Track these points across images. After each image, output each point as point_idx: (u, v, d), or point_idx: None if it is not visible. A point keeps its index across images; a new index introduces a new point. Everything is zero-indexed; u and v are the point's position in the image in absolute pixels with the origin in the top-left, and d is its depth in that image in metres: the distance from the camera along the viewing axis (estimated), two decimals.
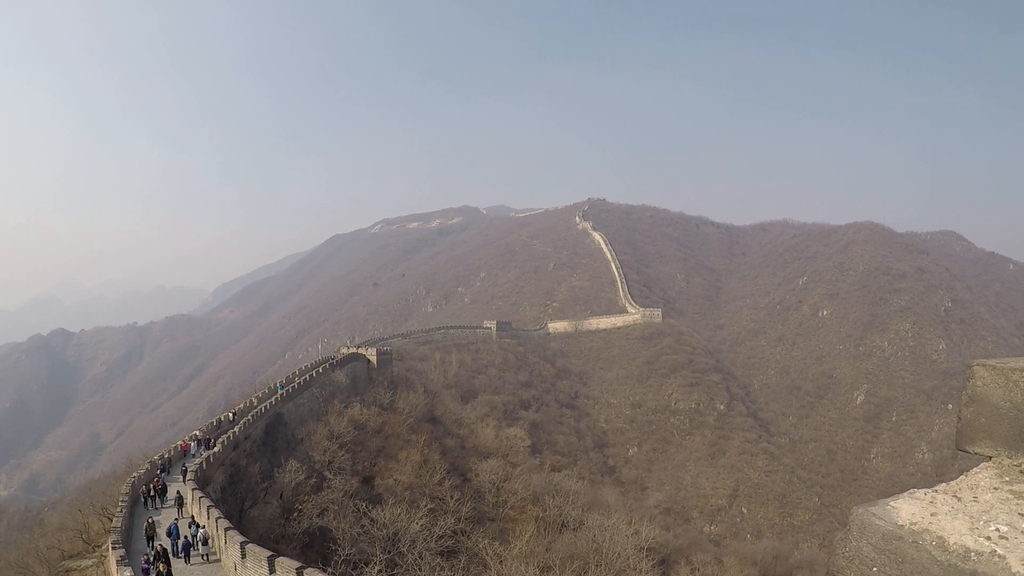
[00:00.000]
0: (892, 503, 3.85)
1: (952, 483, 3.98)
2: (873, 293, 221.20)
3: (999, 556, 3.18)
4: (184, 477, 43.33)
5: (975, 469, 4.00)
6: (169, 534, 37.18)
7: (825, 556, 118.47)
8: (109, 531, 37.61)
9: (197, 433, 68.24)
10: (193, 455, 56.36)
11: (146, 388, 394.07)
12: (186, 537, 35.84)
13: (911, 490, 3.94)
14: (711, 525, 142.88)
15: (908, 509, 3.74)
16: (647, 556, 65.31)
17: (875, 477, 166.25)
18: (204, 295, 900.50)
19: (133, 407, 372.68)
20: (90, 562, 44.78)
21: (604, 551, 63.88)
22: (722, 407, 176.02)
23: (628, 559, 63.26)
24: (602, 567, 58.69)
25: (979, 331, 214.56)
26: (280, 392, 73.12)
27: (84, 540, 49.40)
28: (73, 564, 46.01)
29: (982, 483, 3.87)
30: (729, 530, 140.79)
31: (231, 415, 69.41)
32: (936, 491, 3.93)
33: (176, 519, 41.07)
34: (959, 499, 3.77)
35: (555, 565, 53.52)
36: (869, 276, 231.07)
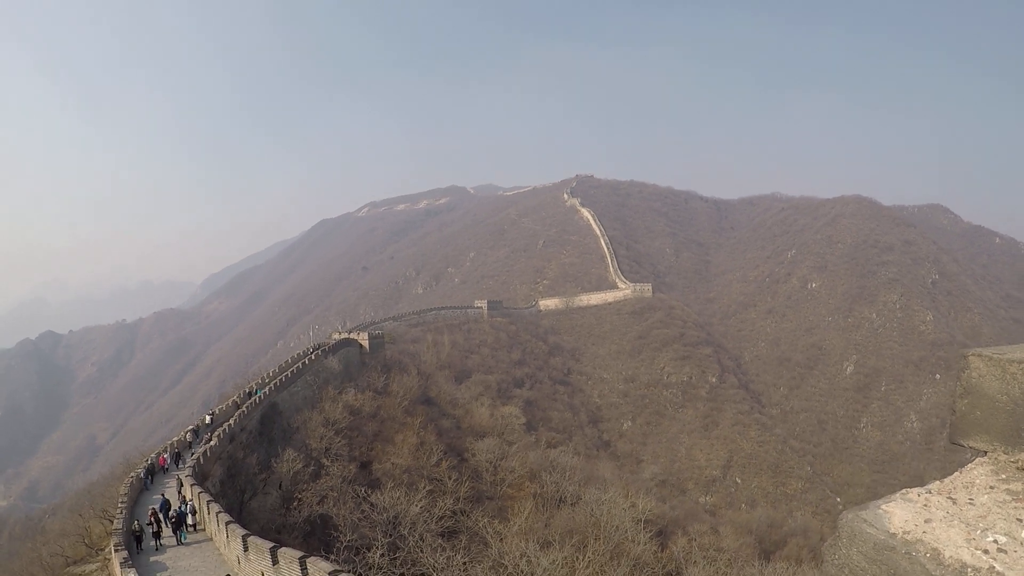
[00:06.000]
0: (884, 506, 3.64)
1: (947, 481, 3.81)
2: (861, 265, 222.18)
3: (997, 573, 2.95)
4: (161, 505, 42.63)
5: (970, 465, 3.83)
6: (161, 508, 38.53)
7: (818, 523, 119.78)
8: (111, 534, 37.66)
9: (192, 427, 67.69)
10: (168, 469, 54.54)
11: (139, 386, 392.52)
12: (179, 509, 36.65)
13: (904, 490, 3.79)
14: (706, 496, 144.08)
15: (901, 515, 3.57)
16: (644, 528, 65.86)
17: (865, 446, 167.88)
18: (193, 287, 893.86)
19: (127, 406, 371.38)
20: (94, 566, 44.70)
21: (602, 525, 64.37)
22: (714, 379, 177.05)
23: (626, 532, 63.78)
24: (601, 540, 59.10)
25: (966, 303, 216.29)
26: (258, 395, 71.90)
27: (87, 544, 49.26)
28: (77, 570, 45.91)
29: (977, 481, 3.71)
30: (724, 500, 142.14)
31: (208, 418, 68.17)
32: (930, 492, 3.73)
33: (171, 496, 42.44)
34: (954, 502, 3.56)
35: (554, 540, 53.87)
36: (857, 249, 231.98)
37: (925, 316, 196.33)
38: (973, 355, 3.85)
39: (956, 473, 3.86)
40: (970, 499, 3.59)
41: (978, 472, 3.76)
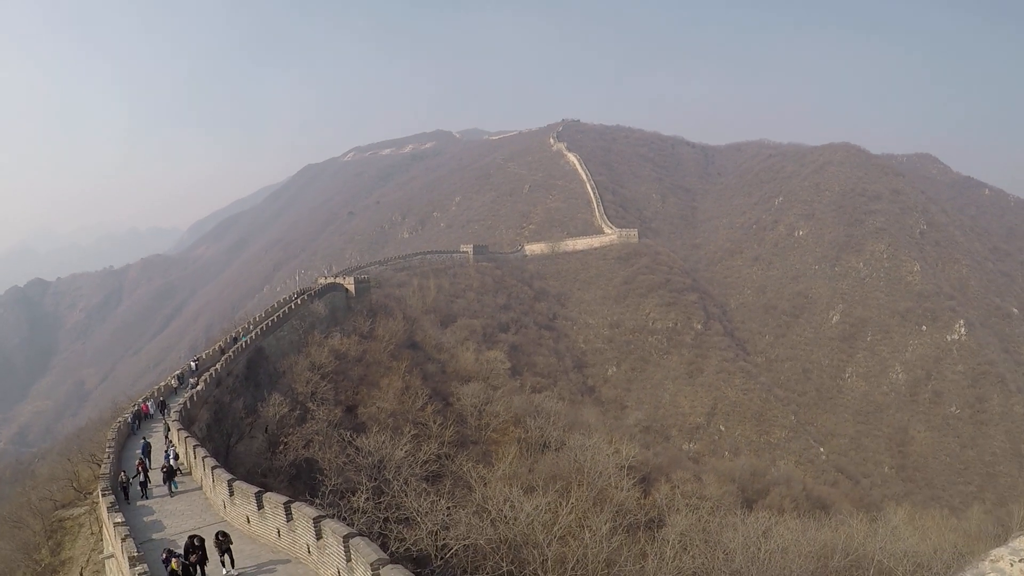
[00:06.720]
0: None
1: None
2: (849, 214, 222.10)
3: None
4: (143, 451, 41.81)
5: None
6: (143, 451, 38.64)
7: (801, 473, 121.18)
8: (99, 478, 37.51)
9: (177, 372, 67.34)
10: (152, 416, 53.29)
11: (127, 331, 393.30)
12: (168, 462, 36.12)
13: (992, 556, 3.16)
14: (690, 443, 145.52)
15: None
16: (628, 474, 66.49)
17: (850, 396, 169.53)
18: (179, 234, 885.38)
19: (115, 351, 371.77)
20: (82, 510, 44.90)
21: (586, 470, 64.87)
22: (699, 326, 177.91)
23: (609, 477, 64.32)
24: (584, 486, 59.54)
25: (954, 254, 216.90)
26: (244, 340, 71.70)
27: (75, 488, 49.47)
28: (66, 513, 46.15)
29: None
30: (707, 448, 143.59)
31: (193, 364, 67.55)
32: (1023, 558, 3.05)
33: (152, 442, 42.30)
34: None
35: (538, 486, 54.23)
36: (845, 197, 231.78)
37: (912, 266, 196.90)
38: None
39: None
40: None
41: None
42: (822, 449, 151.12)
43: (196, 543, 22.98)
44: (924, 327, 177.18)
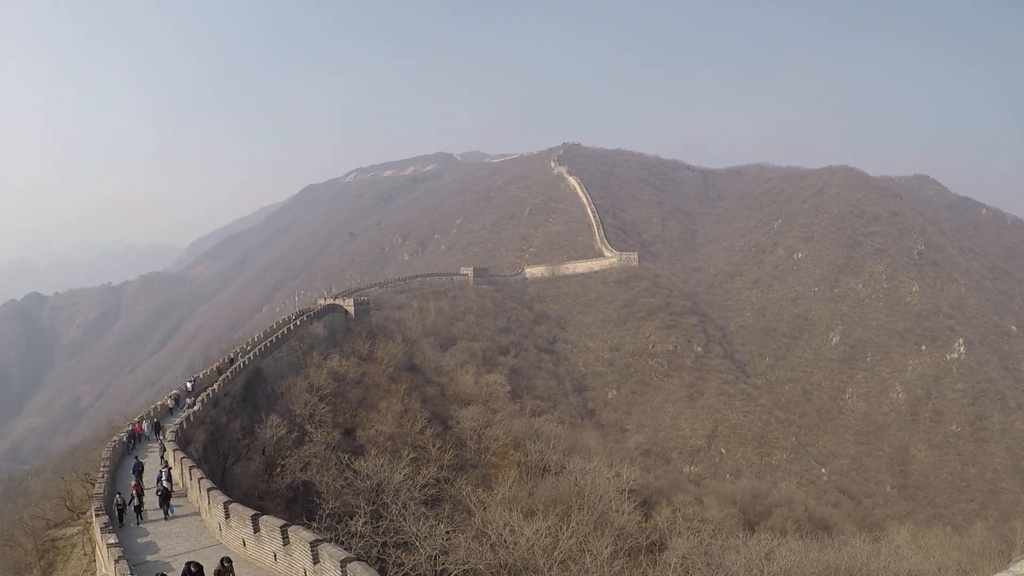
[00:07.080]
0: None
1: None
2: (847, 236, 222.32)
3: None
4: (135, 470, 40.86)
5: None
6: (134, 470, 38.12)
7: (802, 495, 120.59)
8: (92, 497, 37.01)
9: (174, 391, 67.00)
10: (147, 437, 51.92)
11: (124, 349, 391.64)
12: (162, 484, 35.26)
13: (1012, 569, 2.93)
14: (690, 466, 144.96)
15: None
16: (628, 498, 66.11)
17: (851, 417, 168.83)
18: (178, 251, 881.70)
19: (112, 368, 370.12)
20: (75, 530, 44.29)
21: (586, 494, 64.53)
22: (699, 349, 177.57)
23: (610, 501, 63.98)
24: (584, 510, 59.24)
25: (952, 274, 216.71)
26: (241, 362, 71.33)
27: (68, 507, 48.91)
28: (59, 533, 45.59)
29: None
30: (708, 470, 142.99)
31: (189, 385, 66.83)
32: None
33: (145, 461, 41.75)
34: None
35: (538, 510, 53.97)
36: (844, 219, 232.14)
37: (911, 287, 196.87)
38: None
39: None
40: None
41: None
42: (823, 470, 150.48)
43: (193, 569, 21.98)
44: (923, 347, 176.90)
